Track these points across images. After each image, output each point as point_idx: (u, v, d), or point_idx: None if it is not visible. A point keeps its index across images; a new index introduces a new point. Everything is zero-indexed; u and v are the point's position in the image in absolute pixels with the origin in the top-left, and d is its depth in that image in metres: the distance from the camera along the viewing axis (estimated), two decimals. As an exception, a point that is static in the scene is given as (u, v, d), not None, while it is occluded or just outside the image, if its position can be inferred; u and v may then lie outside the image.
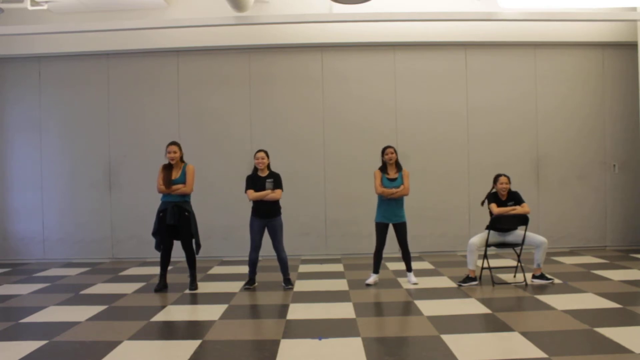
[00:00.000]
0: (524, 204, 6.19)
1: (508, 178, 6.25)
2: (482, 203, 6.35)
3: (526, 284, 6.06)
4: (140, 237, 8.33)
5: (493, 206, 6.17)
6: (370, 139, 8.38)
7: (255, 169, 6.25)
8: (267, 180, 6.16)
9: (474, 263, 6.13)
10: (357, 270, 7.29)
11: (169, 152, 6.15)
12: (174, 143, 6.25)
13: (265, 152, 6.26)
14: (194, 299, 5.91)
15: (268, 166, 6.27)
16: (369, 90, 8.72)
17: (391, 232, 6.26)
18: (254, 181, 6.19)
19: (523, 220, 6.05)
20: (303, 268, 7.61)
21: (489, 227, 6.11)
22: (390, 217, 6.21)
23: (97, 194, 8.74)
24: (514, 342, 4.11)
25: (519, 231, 6.19)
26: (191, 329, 4.87)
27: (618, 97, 8.82)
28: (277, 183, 6.19)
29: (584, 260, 7.69)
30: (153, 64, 8.77)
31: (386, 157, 6.24)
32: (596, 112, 8.84)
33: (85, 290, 6.36)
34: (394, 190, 6.14)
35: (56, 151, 8.82)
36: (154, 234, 6.19)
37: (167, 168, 6.16)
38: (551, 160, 8.79)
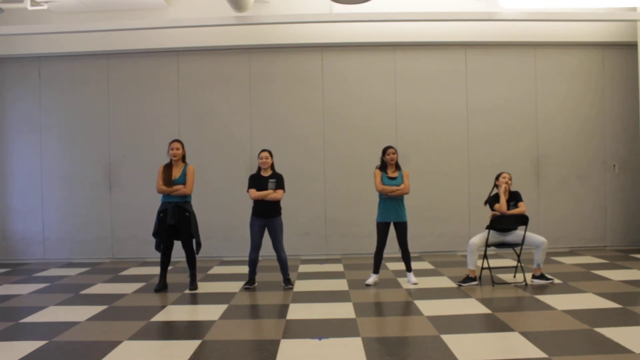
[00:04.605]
0: (520, 203, 6.21)
1: (510, 175, 6.27)
2: (485, 203, 6.37)
3: (526, 284, 6.06)
4: (140, 237, 8.33)
5: (496, 206, 6.19)
6: (370, 139, 8.39)
7: (259, 169, 6.26)
8: (270, 180, 6.17)
9: (474, 263, 6.13)
10: (357, 270, 7.29)
11: (172, 149, 6.15)
12: (177, 140, 6.27)
13: (269, 152, 6.27)
14: (194, 299, 5.91)
15: (272, 166, 6.27)
16: (369, 90, 8.72)
17: (391, 232, 6.25)
18: (257, 180, 6.19)
19: (523, 220, 6.05)
20: (303, 268, 7.61)
21: (489, 227, 6.12)
22: (391, 216, 6.21)
23: (97, 194, 8.74)
24: (514, 342, 4.11)
25: (519, 231, 6.19)
26: (191, 329, 4.87)
27: (618, 97, 8.82)
28: (280, 183, 6.19)
29: (584, 260, 7.69)
30: (153, 64, 8.77)
31: (388, 157, 6.24)
32: (596, 112, 8.84)
33: (85, 290, 6.36)
34: (394, 187, 6.14)
35: (56, 151, 8.82)
36: (154, 234, 6.19)
37: (168, 167, 6.16)
38: (551, 160, 8.79)
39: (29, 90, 8.83)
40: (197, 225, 6.22)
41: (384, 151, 6.30)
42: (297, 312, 5.17)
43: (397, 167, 6.30)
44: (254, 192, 6.14)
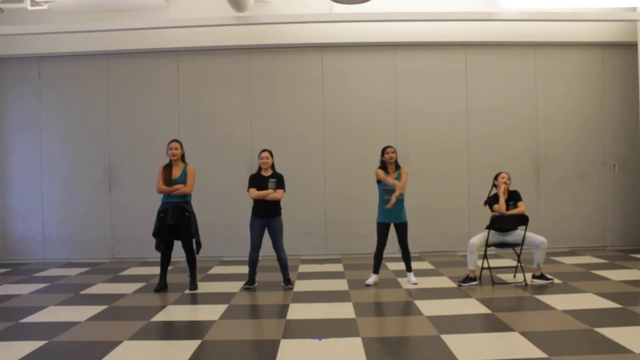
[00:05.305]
0: (520, 203, 6.21)
1: (508, 175, 6.28)
2: (485, 204, 6.38)
3: (526, 284, 6.06)
4: (140, 237, 8.33)
5: (495, 207, 6.20)
6: (370, 139, 8.38)
7: (259, 169, 6.26)
8: (270, 179, 6.17)
9: (474, 263, 6.13)
10: (357, 270, 7.29)
11: (171, 149, 6.16)
12: (175, 140, 6.28)
13: (270, 152, 6.27)
14: (194, 299, 5.91)
15: (272, 166, 6.28)
16: (369, 90, 8.72)
17: (391, 232, 6.25)
18: (257, 180, 6.20)
19: (523, 220, 6.05)
20: (303, 268, 7.60)
21: (489, 227, 6.12)
22: (392, 217, 6.21)
23: (97, 194, 8.74)
24: (514, 342, 4.11)
25: (519, 231, 6.19)
26: (191, 329, 4.87)
27: (618, 97, 8.82)
28: (280, 183, 6.19)
29: (584, 260, 7.69)
30: (153, 64, 8.77)
31: (386, 156, 6.24)
32: (596, 112, 8.84)
33: (85, 290, 6.36)
34: (392, 181, 6.11)
35: (56, 151, 8.82)
36: (154, 234, 6.19)
37: (168, 167, 6.17)
38: (551, 160, 8.79)
39: (29, 90, 8.83)
40: (197, 225, 6.22)
41: (383, 151, 6.30)
42: (297, 312, 5.17)
43: (397, 166, 6.29)
44: (254, 192, 6.14)
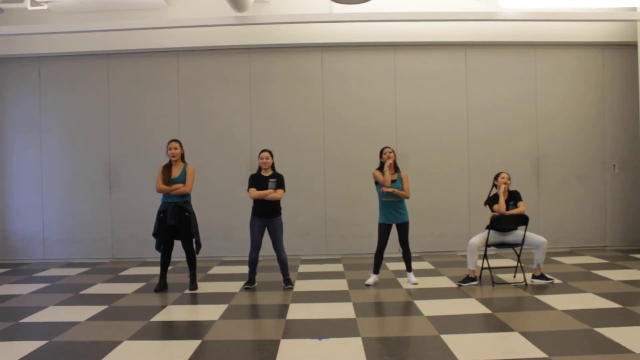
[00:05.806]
0: (520, 203, 6.21)
1: (508, 175, 6.28)
2: (485, 204, 6.38)
3: (526, 284, 6.06)
4: (140, 237, 8.33)
5: (495, 207, 6.20)
6: (370, 139, 8.38)
7: (259, 169, 6.26)
8: (270, 179, 6.18)
9: (474, 263, 6.13)
10: (357, 270, 7.29)
11: (170, 149, 6.17)
12: (175, 140, 6.28)
13: (270, 152, 6.27)
14: (194, 299, 5.91)
15: (272, 166, 6.28)
16: (369, 90, 8.72)
17: (392, 231, 6.25)
18: (257, 180, 6.20)
19: (523, 220, 6.05)
20: (303, 268, 7.60)
21: (489, 227, 6.12)
22: (394, 218, 6.20)
23: (97, 194, 8.74)
24: (514, 342, 4.11)
25: (519, 231, 6.19)
26: (191, 329, 4.87)
27: (618, 97, 8.83)
28: (280, 183, 6.20)
29: (584, 260, 7.69)
30: (153, 64, 8.77)
31: (384, 156, 6.23)
32: (596, 112, 8.84)
33: (85, 290, 6.36)
34: (388, 189, 6.10)
35: (56, 151, 8.82)
36: (154, 234, 6.19)
37: (167, 167, 6.17)
38: (551, 160, 8.79)
39: (29, 90, 8.83)
40: (197, 225, 6.22)
41: (381, 152, 6.29)
42: (297, 312, 5.17)
43: (396, 168, 6.28)
44: (254, 192, 6.14)
